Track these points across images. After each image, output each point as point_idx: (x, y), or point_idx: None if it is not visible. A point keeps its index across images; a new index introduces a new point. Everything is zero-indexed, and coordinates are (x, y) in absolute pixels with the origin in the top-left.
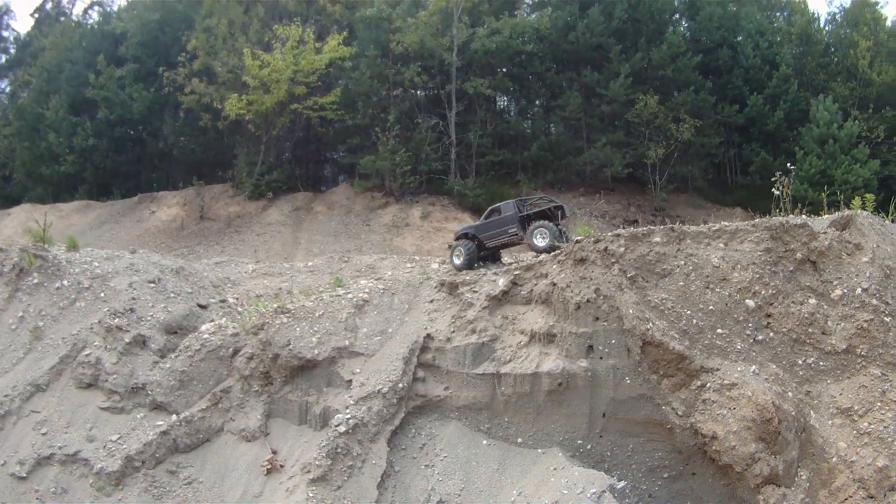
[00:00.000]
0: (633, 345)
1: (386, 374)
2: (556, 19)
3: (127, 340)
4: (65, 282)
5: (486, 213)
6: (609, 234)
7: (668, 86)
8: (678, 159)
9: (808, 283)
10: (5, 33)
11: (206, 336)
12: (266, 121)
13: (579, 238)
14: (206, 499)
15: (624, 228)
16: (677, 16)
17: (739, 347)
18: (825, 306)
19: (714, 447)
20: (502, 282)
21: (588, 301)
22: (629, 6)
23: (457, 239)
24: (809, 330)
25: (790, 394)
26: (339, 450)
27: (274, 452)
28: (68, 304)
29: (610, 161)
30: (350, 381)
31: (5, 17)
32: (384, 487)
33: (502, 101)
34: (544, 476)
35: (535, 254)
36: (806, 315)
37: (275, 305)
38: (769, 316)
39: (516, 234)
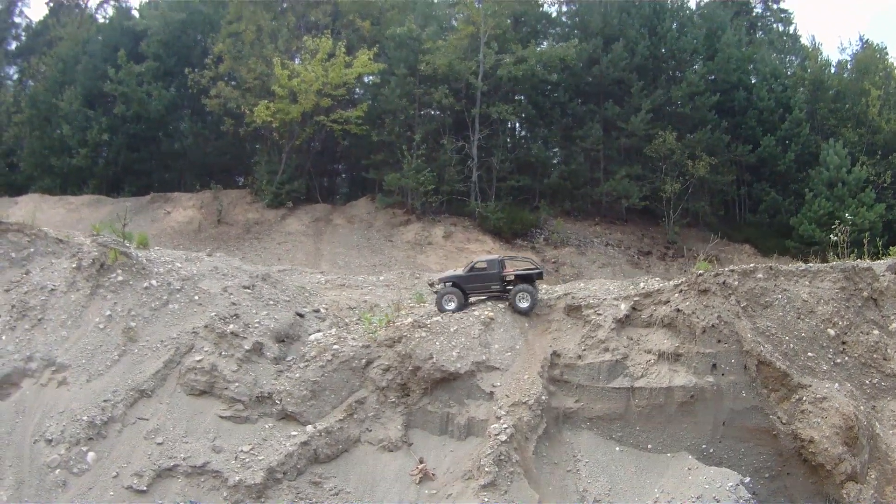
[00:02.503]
0: (750, 364)
1: (527, 387)
2: (580, 51)
3: (247, 348)
4: (153, 281)
5: (469, 265)
6: (726, 269)
7: (685, 123)
8: (691, 195)
9: (872, 317)
10: (17, 19)
11: (335, 346)
12: (290, 130)
13: (701, 272)
14: None
15: (638, 258)
16: (695, 55)
17: (825, 368)
18: (885, 337)
19: (810, 449)
20: (624, 306)
21: (713, 326)
22: (651, 44)
23: (442, 284)
24: (874, 356)
25: (862, 407)
26: (501, 457)
27: (421, 461)
28: (160, 306)
29: (628, 193)
30: (492, 393)
31: (18, 4)
32: (541, 491)
33: (524, 128)
34: (681, 476)
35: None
36: (871, 344)
37: (409, 320)
38: (844, 343)
39: (497, 292)
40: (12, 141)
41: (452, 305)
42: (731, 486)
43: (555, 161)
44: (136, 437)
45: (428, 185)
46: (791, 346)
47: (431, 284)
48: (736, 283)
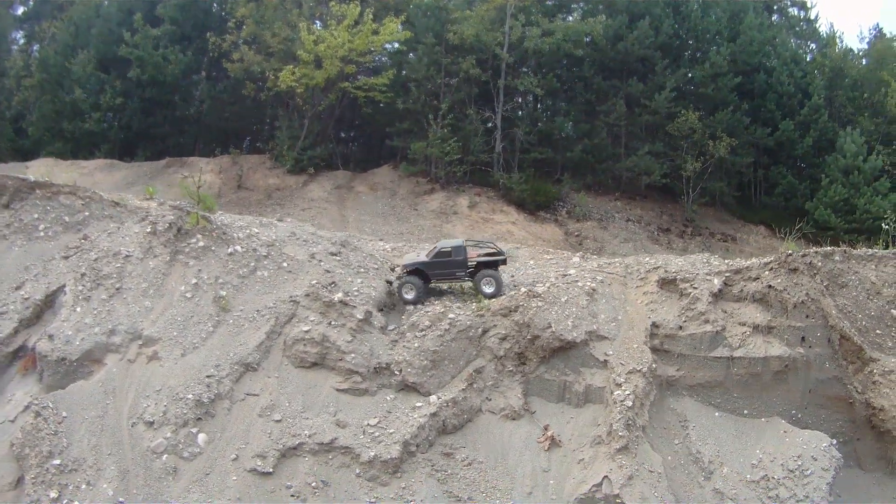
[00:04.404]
0: (833, 337)
1: (638, 355)
2: (606, 28)
3: (359, 317)
4: (238, 247)
5: (434, 251)
6: (811, 250)
7: (706, 103)
8: (710, 174)
9: None
10: None
11: (451, 315)
12: (313, 96)
13: (790, 252)
14: (492, 478)
15: (658, 234)
16: (717, 37)
17: (890, 345)
18: None
19: (880, 417)
20: (717, 281)
21: (802, 302)
22: (675, 23)
23: (407, 273)
24: None
25: None
26: (629, 422)
27: (547, 428)
28: (248, 273)
29: (649, 170)
30: (605, 361)
31: None
32: (660, 453)
33: (548, 101)
34: (778, 438)
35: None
36: None
37: (523, 290)
38: None
39: (462, 278)
40: (20, 105)
41: (411, 295)
42: (825, 446)
43: (578, 135)
44: (250, 414)
45: (453, 154)
46: (863, 323)
47: (393, 269)
48: (819, 263)
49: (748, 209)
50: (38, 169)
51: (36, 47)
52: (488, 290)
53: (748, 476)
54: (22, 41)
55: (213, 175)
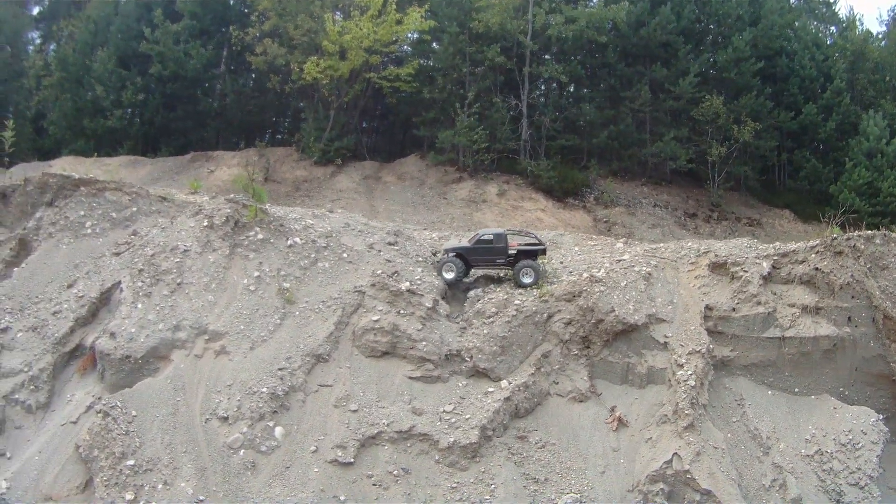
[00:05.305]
0: (878, 317)
1: (696, 337)
2: (629, 14)
3: (428, 305)
4: (297, 239)
5: (476, 237)
6: (854, 234)
7: (729, 88)
8: (735, 159)
9: None
10: None
11: (516, 302)
12: (338, 87)
13: (835, 236)
14: (566, 459)
15: (685, 219)
16: (739, 21)
17: None
18: None
19: None
20: (766, 265)
21: (847, 284)
22: (696, 8)
23: (447, 253)
24: None
25: None
26: (693, 401)
27: (614, 409)
28: (310, 265)
29: (675, 155)
30: (665, 343)
31: None
32: (720, 430)
33: (572, 88)
34: (829, 414)
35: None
36: None
37: (585, 275)
38: None
39: (503, 266)
40: (40, 105)
41: (451, 275)
42: (873, 421)
43: (604, 121)
44: (325, 405)
45: (481, 143)
46: None
47: (434, 254)
48: (862, 246)
49: (773, 193)
50: (62, 167)
51: (53, 46)
52: (526, 280)
53: (803, 451)
54: (38, 41)
55: (239, 168)
